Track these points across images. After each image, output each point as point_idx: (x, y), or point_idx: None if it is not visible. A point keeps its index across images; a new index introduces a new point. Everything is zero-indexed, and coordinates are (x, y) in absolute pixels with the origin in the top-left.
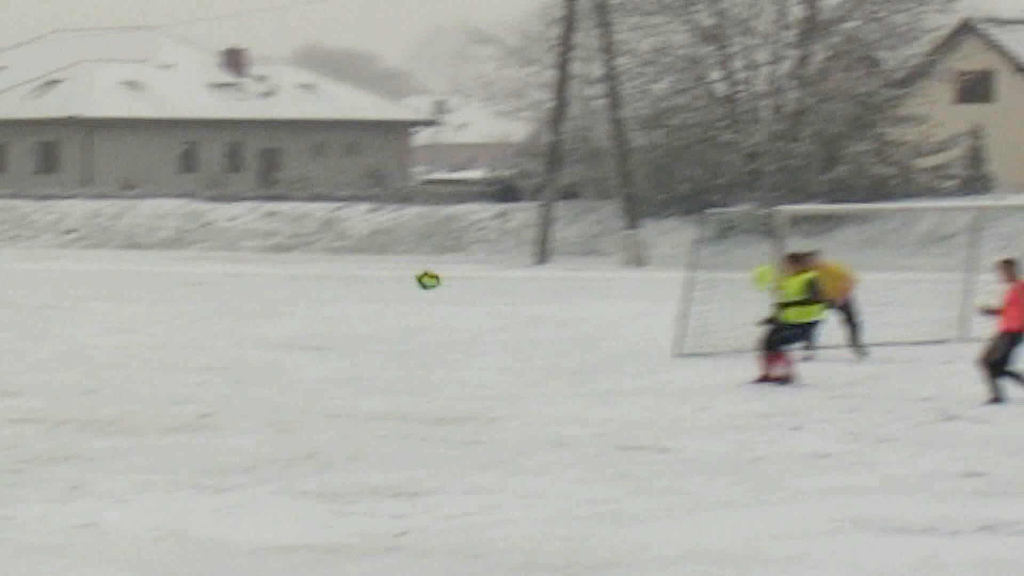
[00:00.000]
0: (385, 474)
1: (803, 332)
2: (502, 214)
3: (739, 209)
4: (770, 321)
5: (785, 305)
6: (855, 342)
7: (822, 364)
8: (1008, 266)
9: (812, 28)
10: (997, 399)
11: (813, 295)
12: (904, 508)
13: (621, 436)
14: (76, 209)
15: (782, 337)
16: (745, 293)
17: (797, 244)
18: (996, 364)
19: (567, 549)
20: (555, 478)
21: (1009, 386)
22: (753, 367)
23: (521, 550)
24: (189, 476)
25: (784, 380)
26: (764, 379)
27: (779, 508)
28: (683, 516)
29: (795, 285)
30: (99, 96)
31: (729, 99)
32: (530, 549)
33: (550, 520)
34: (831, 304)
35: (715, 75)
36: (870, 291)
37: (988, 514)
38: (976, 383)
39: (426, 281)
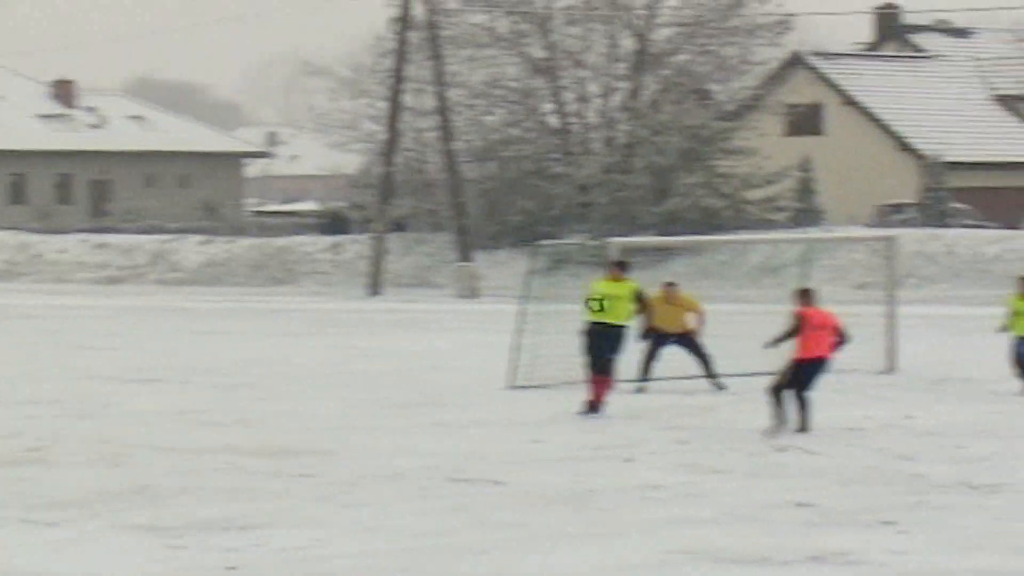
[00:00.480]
0: (217, 507)
1: (614, 337)
2: (334, 246)
3: (571, 241)
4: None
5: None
6: (710, 374)
7: (655, 396)
8: (804, 295)
9: (643, 61)
10: (780, 425)
11: (639, 303)
12: (736, 539)
13: (455, 468)
14: None
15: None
16: (577, 325)
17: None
18: (779, 389)
19: None
20: (389, 511)
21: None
22: (579, 400)
23: None
24: (18, 510)
25: (592, 406)
26: (592, 405)
27: (613, 540)
28: (516, 549)
29: (624, 290)
30: None
31: (561, 131)
32: None
33: (384, 553)
34: (665, 334)
35: (547, 107)
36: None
37: (819, 544)
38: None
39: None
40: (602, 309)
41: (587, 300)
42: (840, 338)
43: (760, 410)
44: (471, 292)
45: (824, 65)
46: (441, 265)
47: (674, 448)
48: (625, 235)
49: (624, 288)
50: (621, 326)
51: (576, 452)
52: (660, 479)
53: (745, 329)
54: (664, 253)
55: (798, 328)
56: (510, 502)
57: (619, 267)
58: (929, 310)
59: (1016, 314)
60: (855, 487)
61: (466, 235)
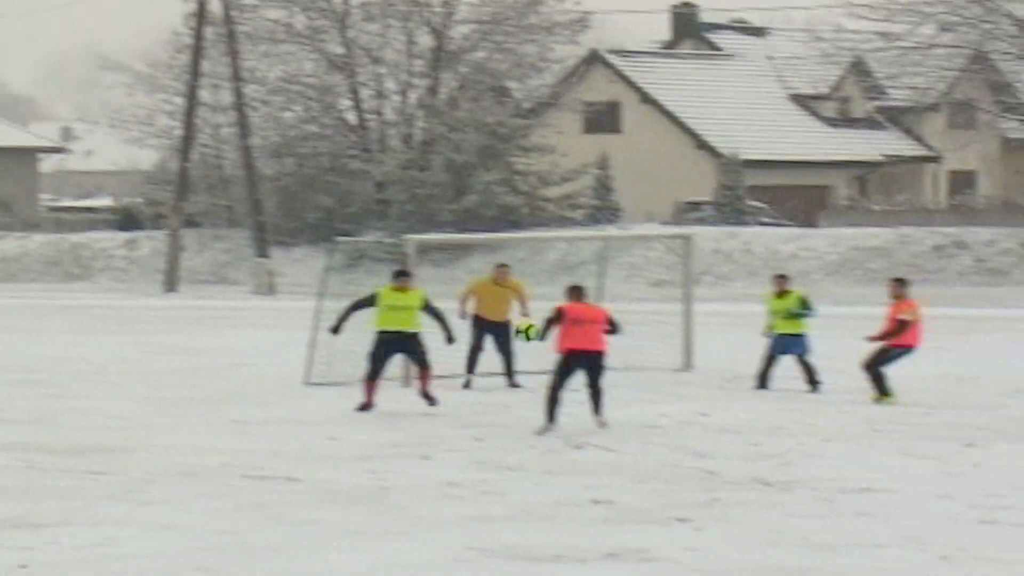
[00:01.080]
0: (8, 505)
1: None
2: (130, 242)
3: (368, 238)
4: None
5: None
6: (509, 372)
7: (452, 393)
8: (573, 292)
9: (441, 58)
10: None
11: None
12: (532, 536)
13: (252, 466)
14: None
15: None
16: (373, 322)
17: (426, 273)
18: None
19: None
20: (185, 509)
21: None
22: (376, 396)
23: None
24: None
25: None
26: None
27: (409, 538)
28: (312, 546)
29: (413, 299)
30: None
31: (359, 128)
32: None
33: (179, 551)
34: (489, 323)
35: (345, 104)
36: None
37: (614, 542)
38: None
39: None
40: (395, 318)
41: (383, 308)
42: (612, 327)
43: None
44: (268, 289)
45: (622, 63)
46: (238, 262)
47: (471, 445)
48: (423, 232)
49: (413, 298)
50: (415, 333)
51: (373, 450)
52: (456, 476)
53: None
54: (462, 250)
55: (555, 320)
56: (306, 500)
57: (402, 276)
58: (725, 308)
59: (773, 312)
60: (651, 484)
61: (263, 232)
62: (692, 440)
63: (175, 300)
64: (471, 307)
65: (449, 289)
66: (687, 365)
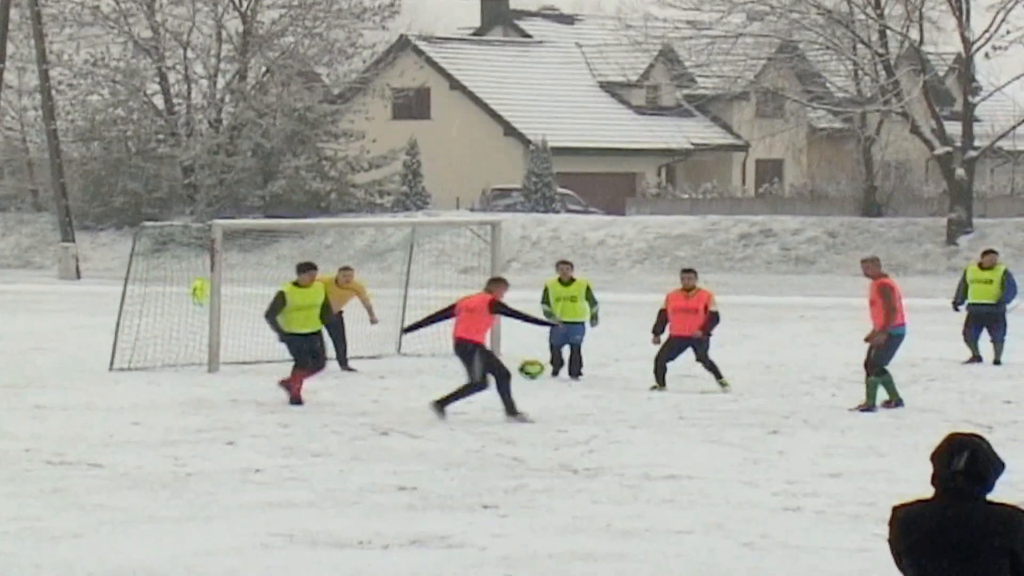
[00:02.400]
0: None
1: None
2: None
3: (175, 223)
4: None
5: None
6: (343, 357)
7: (257, 378)
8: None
9: (249, 43)
10: None
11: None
12: (337, 523)
13: (54, 451)
14: None
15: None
16: (180, 307)
17: (234, 259)
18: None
19: None
20: None
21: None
22: (182, 382)
23: None
24: None
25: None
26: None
27: (212, 524)
28: (114, 532)
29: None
30: None
31: (167, 112)
32: None
33: None
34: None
35: (152, 88)
36: None
37: (419, 528)
38: (408, 398)
39: (530, 370)
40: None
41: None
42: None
43: (361, 392)
44: (73, 273)
45: (431, 49)
46: (43, 246)
47: (276, 432)
48: (231, 217)
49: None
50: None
51: (177, 435)
52: (261, 462)
53: (350, 313)
54: (270, 236)
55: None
56: (109, 485)
57: (306, 268)
58: (533, 295)
59: (557, 300)
60: (457, 471)
61: (68, 216)
62: (498, 427)
63: None
64: None
65: (257, 274)
66: (494, 351)
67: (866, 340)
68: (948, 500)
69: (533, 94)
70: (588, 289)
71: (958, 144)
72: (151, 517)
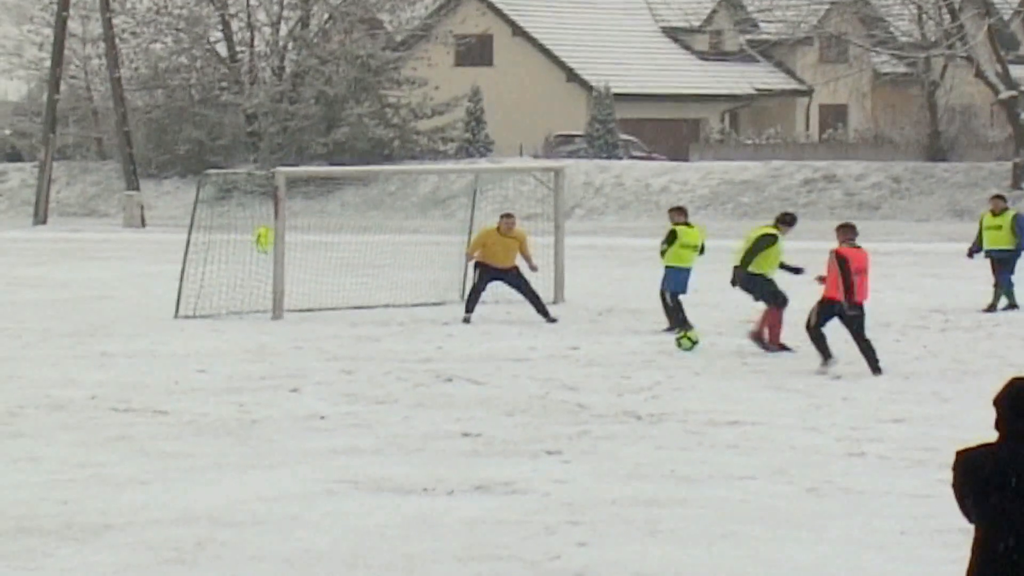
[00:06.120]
0: None
1: None
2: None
3: (239, 171)
4: None
5: None
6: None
7: (323, 325)
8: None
9: None
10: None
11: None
12: (401, 469)
13: (119, 399)
14: None
15: None
16: (244, 255)
17: (297, 206)
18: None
19: (63, 512)
20: (50, 441)
21: None
22: (246, 329)
23: (14, 515)
24: None
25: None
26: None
27: (277, 471)
28: (179, 479)
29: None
30: None
31: (229, 60)
32: (24, 513)
33: (45, 484)
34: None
35: (215, 36)
36: (372, 253)
37: (483, 474)
38: (472, 345)
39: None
40: None
41: None
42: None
43: (424, 340)
44: (138, 221)
45: None
46: (108, 194)
47: (339, 379)
48: (294, 165)
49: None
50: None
51: (241, 383)
52: (325, 410)
53: (413, 260)
54: (333, 183)
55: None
56: (174, 432)
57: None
58: (597, 241)
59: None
60: (520, 417)
61: (133, 164)
62: (561, 373)
63: (44, 233)
64: (479, 255)
65: (321, 222)
66: (558, 298)
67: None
68: (1012, 444)
69: (596, 40)
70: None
71: (1023, 88)
72: (216, 464)
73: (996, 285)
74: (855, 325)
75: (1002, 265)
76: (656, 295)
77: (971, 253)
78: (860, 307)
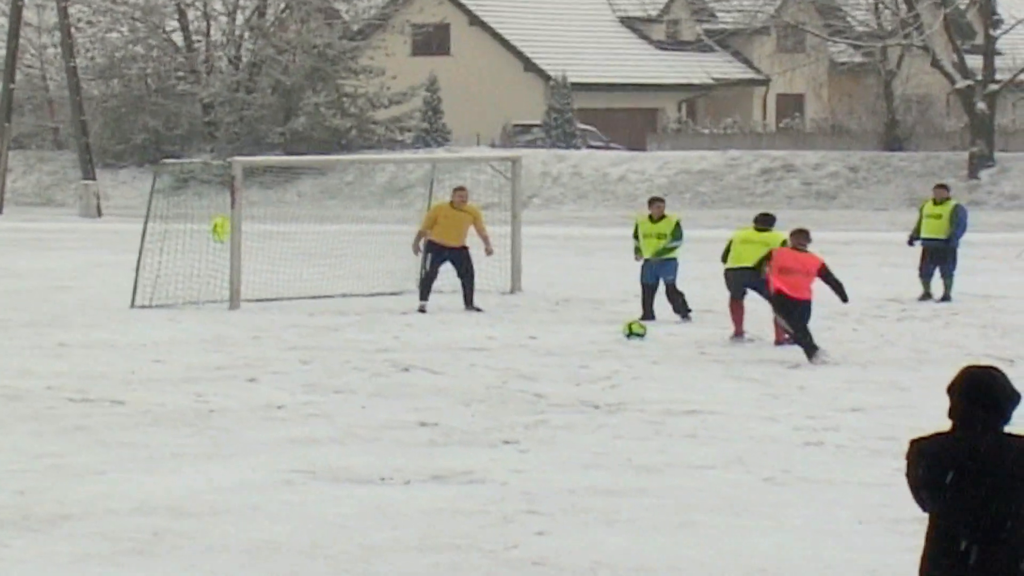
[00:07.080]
0: None
1: None
2: None
3: (195, 160)
4: None
5: None
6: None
7: (281, 315)
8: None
9: None
10: None
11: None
12: (359, 459)
13: (75, 389)
14: None
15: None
16: (201, 245)
17: (254, 196)
18: None
19: (19, 503)
20: (8, 431)
21: None
22: (203, 319)
23: None
24: None
25: None
26: None
27: (234, 460)
28: (137, 469)
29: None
30: None
31: (186, 49)
32: None
33: (1, 474)
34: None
35: (172, 25)
36: (330, 242)
37: (440, 464)
38: (429, 334)
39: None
40: None
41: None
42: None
43: (382, 329)
44: (94, 211)
45: None
46: (64, 184)
47: (297, 368)
48: (251, 154)
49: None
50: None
51: (199, 373)
52: (282, 399)
53: (371, 249)
54: (290, 173)
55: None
56: (131, 422)
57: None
58: (554, 231)
59: (645, 236)
60: (478, 407)
61: (89, 154)
62: (519, 363)
63: (0, 222)
64: (432, 233)
65: (278, 211)
66: (515, 288)
67: None
68: (965, 432)
69: (553, 29)
70: (677, 225)
71: (979, 78)
72: (173, 454)
73: (922, 275)
74: (793, 316)
75: (933, 255)
76: (615, 284)
77: (911, 241)
78: (792, 301)
